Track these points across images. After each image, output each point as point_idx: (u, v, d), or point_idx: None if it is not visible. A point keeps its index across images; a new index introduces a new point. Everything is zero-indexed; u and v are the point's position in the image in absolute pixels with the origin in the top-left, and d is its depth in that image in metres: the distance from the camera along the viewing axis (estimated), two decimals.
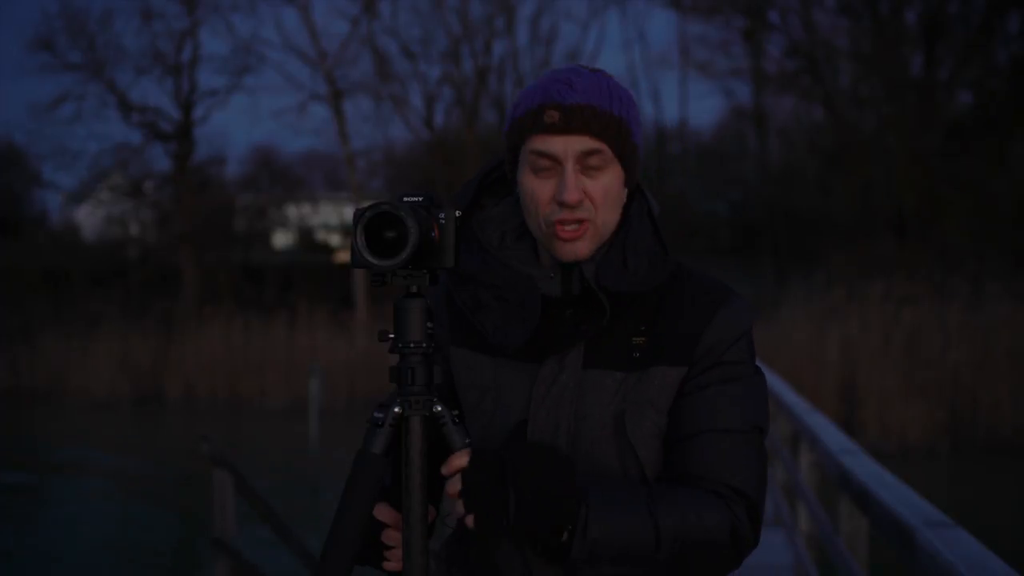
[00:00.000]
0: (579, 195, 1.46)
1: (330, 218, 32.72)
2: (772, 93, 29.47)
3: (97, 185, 28.81)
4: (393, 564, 1.48)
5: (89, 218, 30.72)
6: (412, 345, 1.42)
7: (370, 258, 1.37)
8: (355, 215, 1.39)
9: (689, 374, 1.50)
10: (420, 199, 1.44)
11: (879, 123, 23.91)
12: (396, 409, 1.42)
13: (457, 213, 1.47)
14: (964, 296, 15.99)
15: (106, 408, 21.97)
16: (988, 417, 14.95)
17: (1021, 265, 18.62)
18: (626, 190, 1.53)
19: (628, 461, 1.49)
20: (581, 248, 1.48)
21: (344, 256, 27.98)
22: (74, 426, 20.16)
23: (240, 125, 62.25)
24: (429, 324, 1.43)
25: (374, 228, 1.37)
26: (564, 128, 1.45)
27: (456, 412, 1.44)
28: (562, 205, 1.46)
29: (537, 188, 1.48)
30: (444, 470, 1.38)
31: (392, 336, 1.43)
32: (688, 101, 68.11)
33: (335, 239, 31.71)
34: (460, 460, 1.37)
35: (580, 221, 1.47)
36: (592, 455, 1.49)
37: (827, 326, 16.43)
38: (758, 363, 1.59)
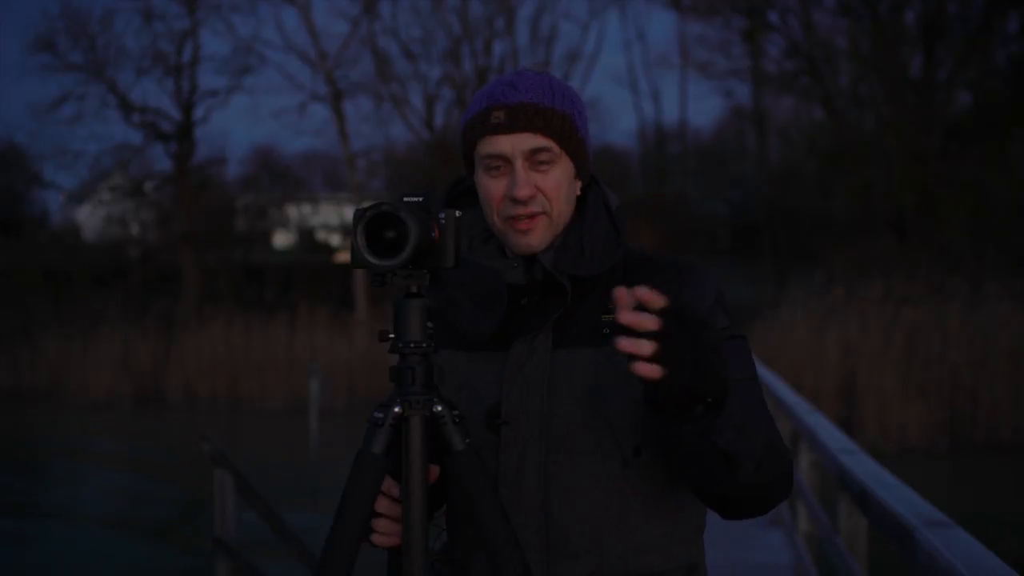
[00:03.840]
0: (530, 190, 1.52)
1: (330, 218, 32.74)
2: (772, 93, 29.50)
3: (98, 185, 28.83)
4: (381, 538, 1.48)
5: (90, 218, 30.74)
6: (412, 345, 1.42)
7: (370, 258, 1.37)
8: (355, 215, 1.40)
9: None
10: (420, 199, 1.45)
11: (879, 123, 23.92)
12: (396, 409, 1.42)
13: (457, 213, 1.48)
14: (963, 296, 16.00)
15: (106, 408, 21.98)
16: (988, 417, 14.95)
17: (1020, 265, 18.63)
18: (579, 182, 1.60)
19: (602, 435, 1.52)
20: (535, 240, 1.55)
21: (344, 256, 27.99)
22: (74, 426, 20.17)
23: (240, 125, 62.38)
24: (429, 324, 1.43)
25: (374, 228, 1.38)
26: (510, 127, 1.52)
27: (456, 412, 1.44)
28: (515, 201, 1.52)
29: (491, 187, 1.55)
30: (624, 318, 1.26)
31: (392, 336, 1.43)
32: (688, 101, 68.10)
33: (335, 239, 31.73)
34: (649, 320, 1.26)
35: (533, 215, 1.53)
36: (566, 432, 1.52)
37: (827, 326, 16.43)
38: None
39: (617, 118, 46.60)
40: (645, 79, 60.23)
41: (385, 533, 1.48)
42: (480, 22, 27.23)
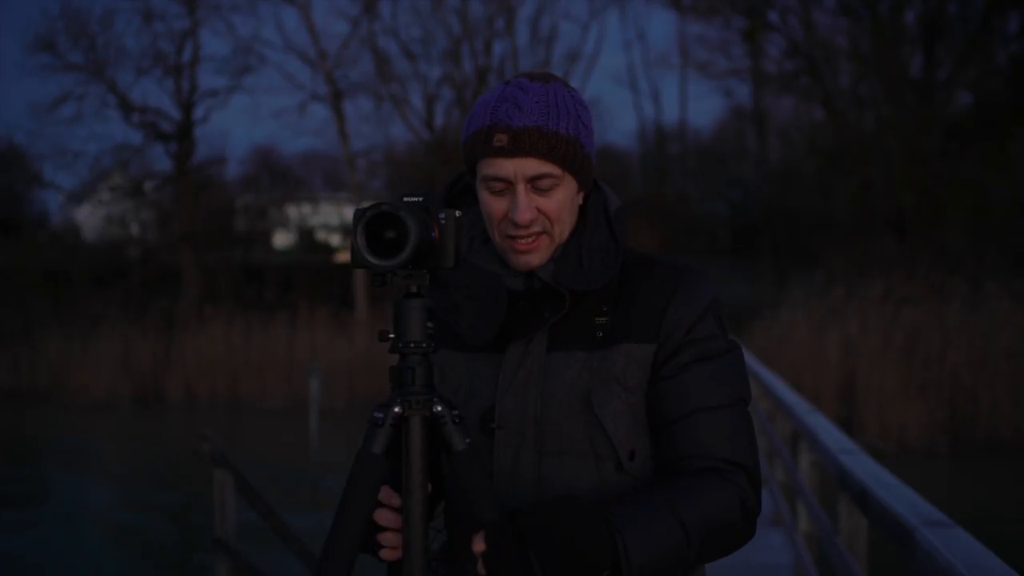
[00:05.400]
0: (531, 215, 1.51)
1: (330, 218, 32.74)
2: (772, 93, 29.52)
3: (98, 185, 28.83)
4: (387, 552, 1.47)
5: (90, 218, 30.74)
6: (412, 345, 1.42)
7: (370, 258, 1.37)
8: (355, 215, 1.40)
9: (661, 354, 1.53)
10: (420, 199, 1.44)
11: (879, 123, 23.92)
12: (396, 409, 1.41)
13: (457, 213, 1.47)
14: (963, 296, 16.00)
15: (106, 408, 21.98)
16: (988, 417, 14.94)
17: (1020, 265, 18.63)
18: (582, 193, 1.59)
19: (597, 438, 1.52)
20: (535, 259, 1.55)
21: (344, 256, 27.99)
22: (74, 426, 20.16)
23: (240, 125, 62.41)
24: (429, 324, 1.43)
25: (374, 228, 1.38)
26: (512, 152, 1.50)
27: (456, 412, 1.44)
28: (515, 224, 1.51)
29: (492, 205, 1.54)
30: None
31: (392, 336, 1.43)
32: (688, 101, 68.15)
33: (335, 239, 31.73)
34: (480, 544, 1.35)
35: (534, 236, 1.53)
36: (560, 435, 1.52)
37: (827, 326, 16.43)
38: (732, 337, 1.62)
39: (617, 118, 46.66)
40: (645, 79, 60.39)
41: (392, 547, 1.47)
42: (480, 22, 27.26)
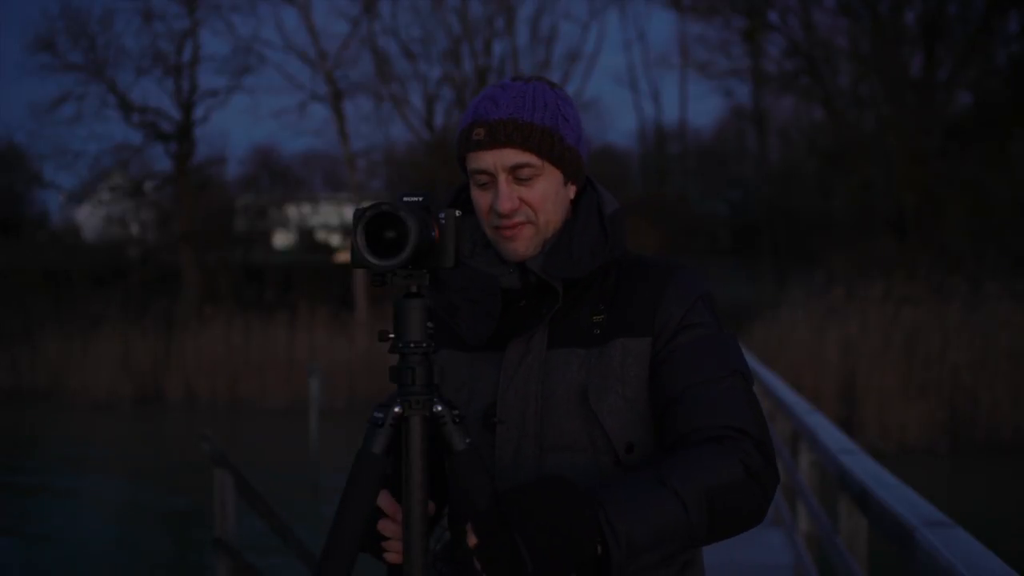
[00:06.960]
0: (513, 204, 1.56)
1: (330, 218, 32.74)
2: (772, 93, 29.51)
3: (98, 185, 28.82)
4: (392, 555, 1.50)
5: (89, 218, 30.74)
6: (412, 345, 1.42)
7: (370, 258, 1.37)
8: (355, 215, 1.40)
9: (657, 344, 1.56)
10: (420, 199, 1.45)
11: (879, 123, 23.90)
12: (396, 409, 1.42)
13: (457, 213, 1.48)
14: (963, 296, 15.99)
15: (106, 408, 21.98)
16: (988, 417, 14.94)
17: (1020, 265, 18.63)
18: (572, 187, 1.63)
19: (595, 433, 1.54)
20: (521, 247, 1.59)
21: (344, 256, 28.00)
22: (74, 426, 20.16)
23: (240, 125, 62.42)
24: (429, 324, 1.43)
25: (374, 228, 1.38)
26: (490, 144, 1.56)
27: (456, 412, 1.44)
28: (499, 214, 1.56)
29: (480, 199, 1.60)
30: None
31: (392, 336, 1.43)
32: (688, 101, 68.10)
33: (335, 239, 31.73)
34: (472, 538, 1.34)
35: (518, 224, 1.57)
36: (560, 430, 1.55)
37: (827, 326, 16.43)
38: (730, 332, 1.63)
39: (617, 118, 46.64)
40: (645, 79, 60.38)
41: (397, 552, 1.49)
42: (480, 22, 27.26)
